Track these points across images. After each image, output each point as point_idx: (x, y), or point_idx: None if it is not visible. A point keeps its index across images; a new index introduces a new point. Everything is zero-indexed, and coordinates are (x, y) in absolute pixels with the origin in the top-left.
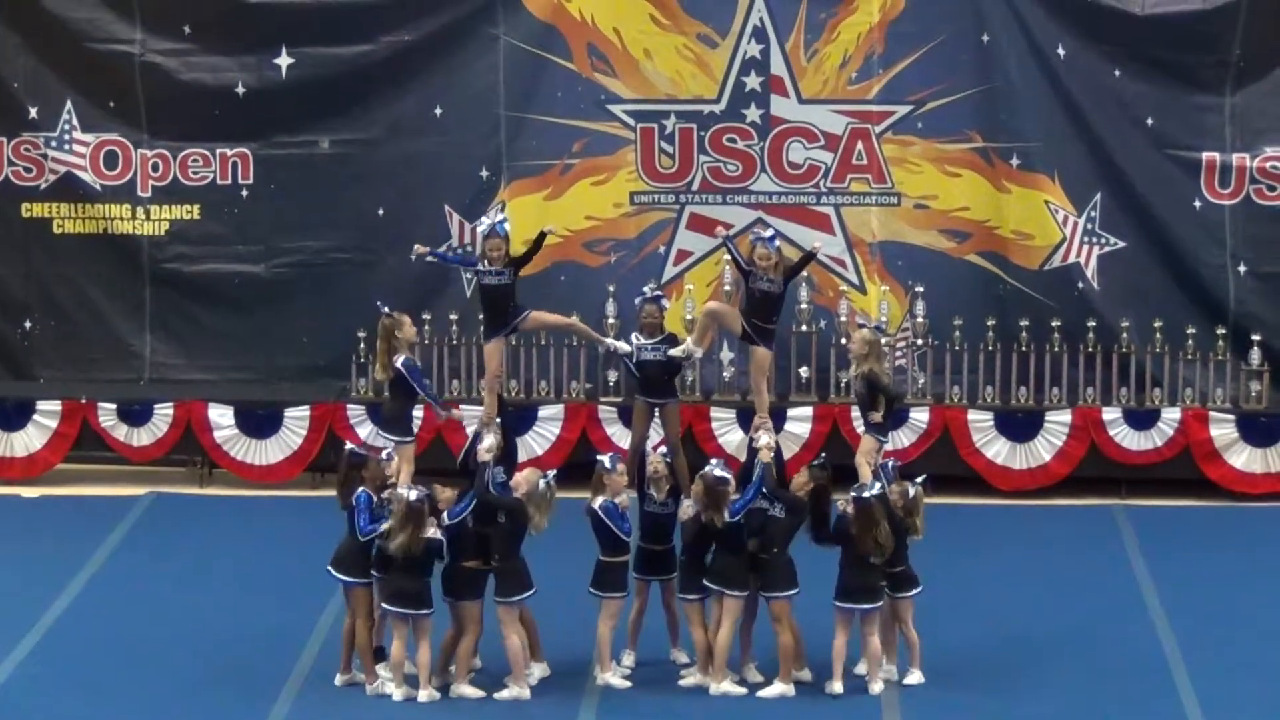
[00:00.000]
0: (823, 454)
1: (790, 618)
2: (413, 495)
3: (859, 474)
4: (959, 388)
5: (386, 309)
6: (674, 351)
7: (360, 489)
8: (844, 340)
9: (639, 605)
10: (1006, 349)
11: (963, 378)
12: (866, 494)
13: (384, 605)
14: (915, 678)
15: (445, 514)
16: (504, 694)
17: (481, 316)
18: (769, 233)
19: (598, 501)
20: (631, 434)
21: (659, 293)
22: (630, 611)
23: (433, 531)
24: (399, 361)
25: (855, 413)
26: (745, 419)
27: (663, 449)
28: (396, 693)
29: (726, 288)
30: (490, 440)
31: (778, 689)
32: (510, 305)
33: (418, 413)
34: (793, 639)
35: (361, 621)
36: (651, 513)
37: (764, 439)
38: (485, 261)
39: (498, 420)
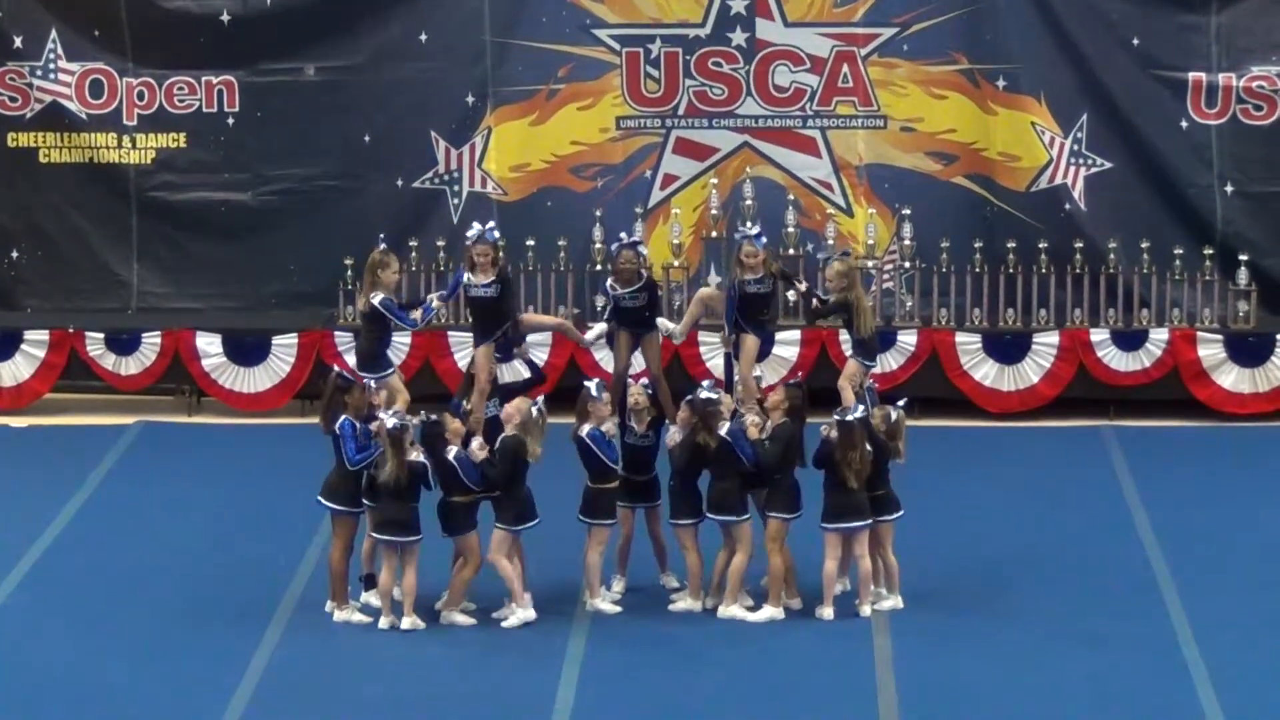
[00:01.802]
0: (798, 374)
1: (784, 542)
2: (391, 422)
3: (842, 397)
4: (946, 310)
5: (384, 244)
6: (660, 323)
7: (343, 417)
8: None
9: (626, 533)
10: (994, 271)
11: (950, 300)
12: (849, 417)
13: (373, 534)
14: (891, 603)
15: (452, 453)
16: (512, 620)
17: (471, 324)
18: (755, 230)
19: (584, 429)
20: (614, 361)
21: (636, 239)
22: (617, 539)
23: (415, 455)
24: (377, 300)
25: (843, 336)
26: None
27: (644, 380)
28: (382, 620)
29: (714, 212)
30: (479, 440)
31: (767, 612)
32: (501, 315)
33: (404, 338)
34: (783, 563)
35: (339, 550)
36: (631, 444)
37: (750, 417)
38: (472, 272)
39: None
